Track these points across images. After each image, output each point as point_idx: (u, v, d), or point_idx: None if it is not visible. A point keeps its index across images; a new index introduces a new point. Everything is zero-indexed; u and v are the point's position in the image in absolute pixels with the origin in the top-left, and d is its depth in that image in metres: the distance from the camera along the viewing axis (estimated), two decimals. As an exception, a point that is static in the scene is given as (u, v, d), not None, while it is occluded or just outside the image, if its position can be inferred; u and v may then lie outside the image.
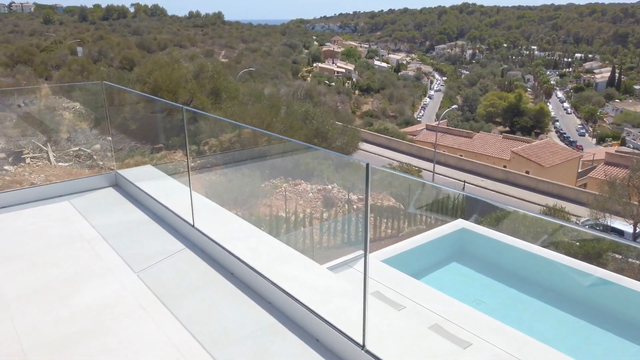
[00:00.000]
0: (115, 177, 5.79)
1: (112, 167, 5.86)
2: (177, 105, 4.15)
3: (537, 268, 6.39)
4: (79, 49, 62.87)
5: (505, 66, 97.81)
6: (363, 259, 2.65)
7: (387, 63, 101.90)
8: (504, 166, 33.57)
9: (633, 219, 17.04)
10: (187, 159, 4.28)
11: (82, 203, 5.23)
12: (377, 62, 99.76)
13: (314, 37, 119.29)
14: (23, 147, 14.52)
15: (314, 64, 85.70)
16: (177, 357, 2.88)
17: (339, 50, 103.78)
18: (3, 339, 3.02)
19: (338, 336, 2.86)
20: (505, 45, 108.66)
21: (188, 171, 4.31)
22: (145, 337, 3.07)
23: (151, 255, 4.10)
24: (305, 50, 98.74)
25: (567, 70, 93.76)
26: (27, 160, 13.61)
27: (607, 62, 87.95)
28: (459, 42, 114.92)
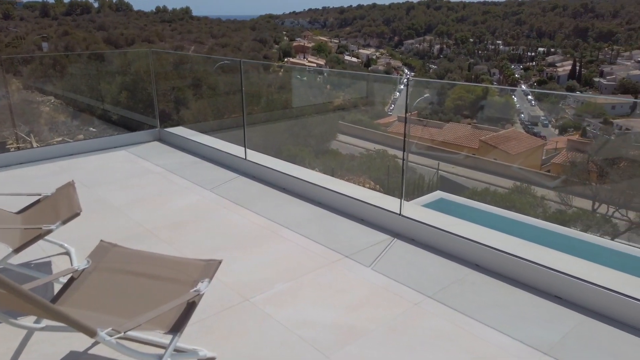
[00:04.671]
0: (158, 133, 6.76)
1: (155, 125, 6.81)
2: (235, 59, 5.15)
3: (507, 226, 7.63)
4: (45, 45, 61.61)
5: (472, 60, 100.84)
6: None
7: (358, 58, 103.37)
8: (473, 154, 35.46)
9: (593, 197, 18.83)
10: (243, 110, 5.31)
11: (138, 151, 6.19)
12: (347, 57, 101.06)
13: (284, 33, 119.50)
14: (6, 138, 15.04)
15: (285, 59, 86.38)
16: (262, 230, 3.95)
17: (310, 45, 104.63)
18: (130, 225, 4.03)
19: (379, 212, 3.99)
20: (471, 40, 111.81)
21: (243, 118, 5.35)
22: (234, 222, 4.13)
23: (214, 180, 5.13)
24: (276, 45, 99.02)
25: (531, 64, 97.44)
26: (12, 150, 14.22)
27: (568, 55, 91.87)
28: (427, 37, 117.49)
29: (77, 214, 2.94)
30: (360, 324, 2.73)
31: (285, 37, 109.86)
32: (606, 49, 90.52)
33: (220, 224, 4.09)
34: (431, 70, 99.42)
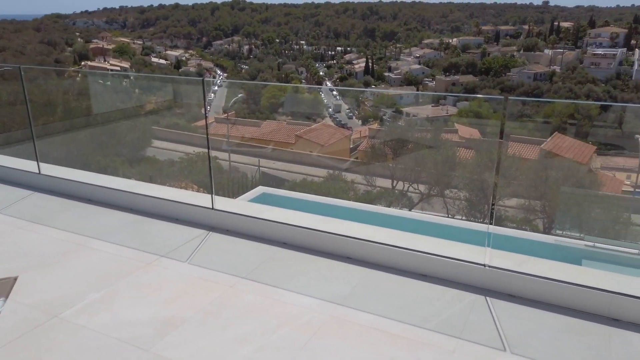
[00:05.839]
0: None
1: None
2: (12, 66, 4.65)
3: (323, 210, 8.52)
4: None
5: (280, 60, 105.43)
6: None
7: (166, 59, 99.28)
8: (291, 148, 37.55)
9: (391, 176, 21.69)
10: (30, 121, 4.83)
11: None
12: (154, 59, 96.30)
13: (77, 34, 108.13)
14: None
15: (82, 63, 78.49)
16: (67, 245, 3.74)
17: (110, 47, 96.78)
18: None
19: (193, 209, 4.13)
20: (277, 40, 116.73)
21: (31, 129, 4.87)
22: (33, 242, 3.81)
23: (1, 201, 4.59)
24: (69, 48, 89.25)
25: (332, 62, 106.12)
26: None
27: (361, 53, 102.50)
28: (235, 38, 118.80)
29: None
30: (179, 314, 2.86)
31: (79, 39, 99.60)
32: (391, 47, 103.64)
33: (15, 246, 3.73)
34: (243, 71, 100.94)
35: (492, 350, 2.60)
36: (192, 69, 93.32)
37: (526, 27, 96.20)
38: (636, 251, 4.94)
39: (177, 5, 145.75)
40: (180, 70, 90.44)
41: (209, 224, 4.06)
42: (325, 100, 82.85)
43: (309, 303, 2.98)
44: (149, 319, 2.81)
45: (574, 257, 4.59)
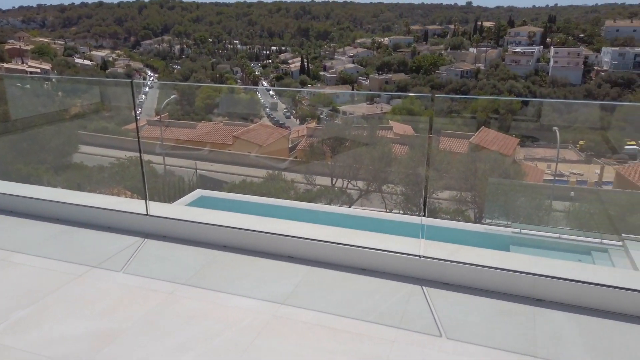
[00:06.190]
0: None
1: None
2: None
3: (263, 211, 8.54)
4: None
5: (214, 60, 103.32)
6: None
7: (91, 60, 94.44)
8: (229, 150, 37.01)
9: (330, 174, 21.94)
10: None
11: None
12: (78, 60, 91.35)
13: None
14: None
15: (-2, 65, 73.04)
16: (-10, 262, 3.48)
17: (28, 47, 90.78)
18: None
19: (126, 216, 3.98)
20: (210, 40, 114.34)
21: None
22: (-52, 259, 3.51)
23: None
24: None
25: (267, 61, 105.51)
26: None
27: (296, 53, 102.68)
28: (166, 37, 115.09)
29: None
30: (116, 325, 2.76)
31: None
32: (325, 46, 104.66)
33: None
34: (175, 71, 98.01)
35: (429, 337, 2.72)
36: (120, 70, 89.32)
37: (452, 26, 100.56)
38: (557, 235, 5.31)
39: (101, 4, 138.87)
40: (107, 71, 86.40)
41: (144, 231, 3.93)
42: (262, 100, 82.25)
43: (251, 305, 2.97)
44: (84, 333, 2.68)
45: (502, 244, 4.88)
